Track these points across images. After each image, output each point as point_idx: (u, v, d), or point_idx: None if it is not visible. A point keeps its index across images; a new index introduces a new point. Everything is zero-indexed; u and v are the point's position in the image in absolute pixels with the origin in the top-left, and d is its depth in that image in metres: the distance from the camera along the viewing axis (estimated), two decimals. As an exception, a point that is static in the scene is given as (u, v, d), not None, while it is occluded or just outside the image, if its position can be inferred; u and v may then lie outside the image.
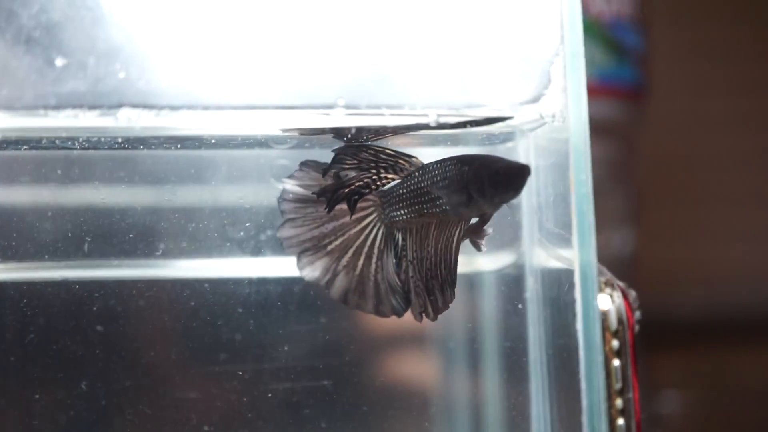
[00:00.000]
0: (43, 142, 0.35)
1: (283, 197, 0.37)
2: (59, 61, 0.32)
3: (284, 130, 0.36)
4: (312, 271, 0.37)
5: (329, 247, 0.37)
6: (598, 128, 0.76)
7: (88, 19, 0.33)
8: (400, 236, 0.37)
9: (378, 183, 0.36)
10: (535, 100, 0.35)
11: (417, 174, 0.36)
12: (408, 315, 0.42)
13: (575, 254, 0.34)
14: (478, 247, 0.36)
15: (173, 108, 0.33)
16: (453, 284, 0.37)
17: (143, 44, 0.33)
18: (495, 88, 0.35)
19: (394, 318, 0.43)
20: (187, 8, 0.34)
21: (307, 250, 0.37)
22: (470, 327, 0.44)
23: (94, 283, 0.39)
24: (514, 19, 0.35)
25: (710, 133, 0.98)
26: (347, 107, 0.34)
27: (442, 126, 0.35)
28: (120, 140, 0.36)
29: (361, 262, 0.37)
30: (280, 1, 0.35)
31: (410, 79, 0.35)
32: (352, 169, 0.36)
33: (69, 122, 0.33)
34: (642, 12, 0.75)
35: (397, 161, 0.36)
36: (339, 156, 0.37)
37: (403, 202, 0.36)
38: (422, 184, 0.36)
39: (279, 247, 0.40)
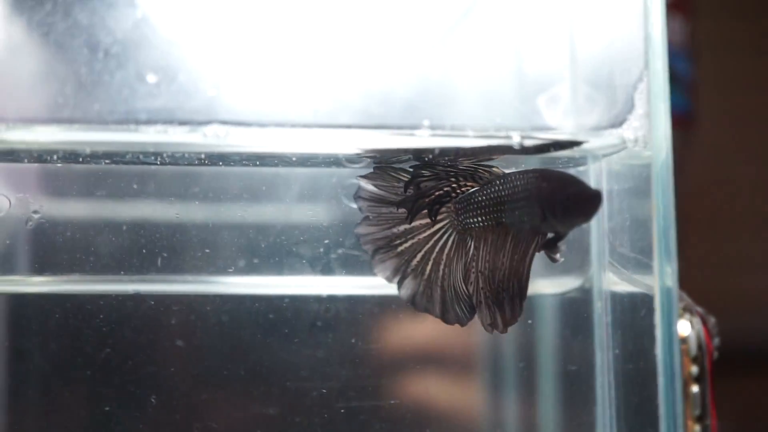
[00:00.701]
0: (128, 156, 0.36)
1: (358, 194, 0.38)
2: (150, 78, 0.33)
3: (362, 150, 0.37)
4: (384, 270, 0.38)
5: (399, 248, 0.38)
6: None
7: (179, 36, 0.33)
8: (472, 244, 0.37)
9: (457, 191, 0.37)
10: (618, 124, 0.35)
11: (498, 183, 0.36)
12: (475, 335, 0.43)
13: (656, 279, 0.34)
14: (553, 260, 0.36)
15: (261, 125, 0.33)
16: (523, 298, 0.37)
17: (231, 62, 0.34)
18: (580, 112, 0.36)
19: (460, 340, 0.43)
20: (276, 30, 0.34)
21: (380, 248, 0.37)
22: (534, 350, 0.44)
23: (168, 298, 0.39)
24: (598, 43, 0.35)
25: (756, 163, 0.97)
26: (432, 128, 0.34)
27: (524, 149, 0.35)
28: (203, 156, 0.36)
29: (429, 267, 0.38)
30: (365, 26, 0.35)
31: (493, 101, 0.35)
32: (431, 180, 0.37)
33: (158, 137, 0.33)
34: (691, 40, 0.76)
35: (476, 170, 0.37)
36: (417, 171, 0.37)
37: (480, 209, 0.36)
38: (502, 193, 0.36)
39: (349, 265, 0.41)
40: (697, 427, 0.33)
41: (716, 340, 0.34)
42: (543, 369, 0.44)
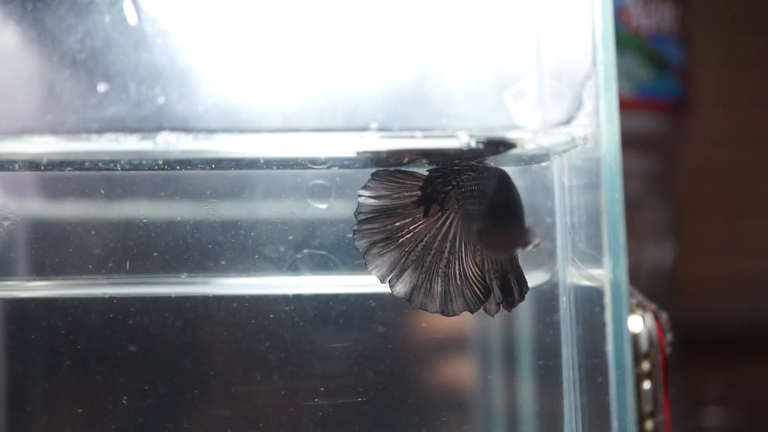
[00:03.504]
0: (86, 164, 0.36)
1: (359, 210, 0.37)
2: (101, 87, 0.34)
3: (359, 153, 0.36)
4: (380, 266, 0.37)
5: (401, 240, 0.37)
6: (639, 141, 0.77)
7: (129, 45, 0.34)
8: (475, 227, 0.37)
9: (458, 180, 0.37)
10: (567, 122, 0.35)
11: (485, 173, 0.36)
12: (445, 330, 0.43)
13: (606, 275, 0.34)
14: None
15: (210, 131, 0.34)
16: (521, 277, 0.37)
17: (182, 69, 0.34)
18: (529, 110, 0.36)
19: (432, 336, 0.44)
20: (222, 32, 0.35)
21: (377, 242, 0.37)
22: (508, 344, 0.44)
23: (136, 300, 0.40)
24: (548, 41, 0.35)
25: (751, 145, 0.97)
26: (380, 129, 0.34)
27: (472, 151, 0.35)
28: (161, 162, 0.37)
29: (431, 257, 0.37)
30: (315, 26, 0.35)
31: (442, 100, 0.36)
32: (441, 178, 0.37)
33: (110, 146, 0.34)
34: (682, 24, 0.75)
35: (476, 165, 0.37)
36: (432, 172, 0.37)
37: (474, 197, 0.37)
38: (484, 186, 0.36)
39: (314, 265, 0.41)
40: (649, 424, 0.33)
41: (669, 336, 0.34)
42: (518, 364, 0.44)
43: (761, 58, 0.96)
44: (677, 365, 0.82)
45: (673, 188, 0.79)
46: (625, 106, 0.71)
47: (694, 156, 0.88)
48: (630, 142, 0.73)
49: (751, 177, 0.98)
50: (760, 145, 0.98)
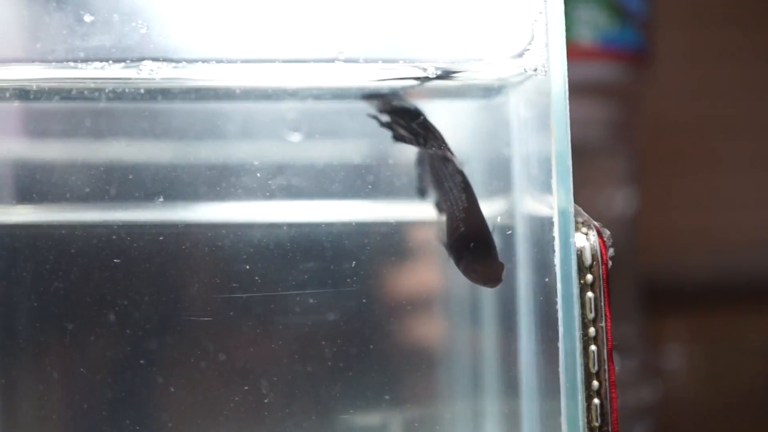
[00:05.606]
0: (73, 93, 0.39)
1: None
2: (87, 18, 0.36)
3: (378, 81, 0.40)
4: None
5: None
6: (600, 89, 0.79)
7: (113, -20, 0.36)
8: None
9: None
10: (520, 55, 0.38)
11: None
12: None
13: (554, 196, 0.37)
14: None
15: (189, 61, 0.37)
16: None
17: (163, 2, 0.37)
18: (486, 44, 0.39)
19: (400, 260, 0.47)
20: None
21: None
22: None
23: (118, 227, 0.43)
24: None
25: (715, 98, 1.00)
26: (347, 61, 0.37)
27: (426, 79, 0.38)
28: (143, 91, 0.39)
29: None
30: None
31: (403, 32, 0.38)
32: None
33: (96, 73, 0.36)
34: (645, -23, 0.78)
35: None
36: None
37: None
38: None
39: (289, 193, 0.44)
40: (592, 330, 0.37)
41: (611, 251, 0.38)
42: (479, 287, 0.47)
43: (724, 14, 0.99)
44: (640, 312, 0.86)
45: (635, 138, 0.83)
46: (587, 54, 0.74)
47: (660, 110, 0.91)
48: (591, 89, 0.77)
49: (718, 133, 1.02)
50: (728, 101, 1.01)
